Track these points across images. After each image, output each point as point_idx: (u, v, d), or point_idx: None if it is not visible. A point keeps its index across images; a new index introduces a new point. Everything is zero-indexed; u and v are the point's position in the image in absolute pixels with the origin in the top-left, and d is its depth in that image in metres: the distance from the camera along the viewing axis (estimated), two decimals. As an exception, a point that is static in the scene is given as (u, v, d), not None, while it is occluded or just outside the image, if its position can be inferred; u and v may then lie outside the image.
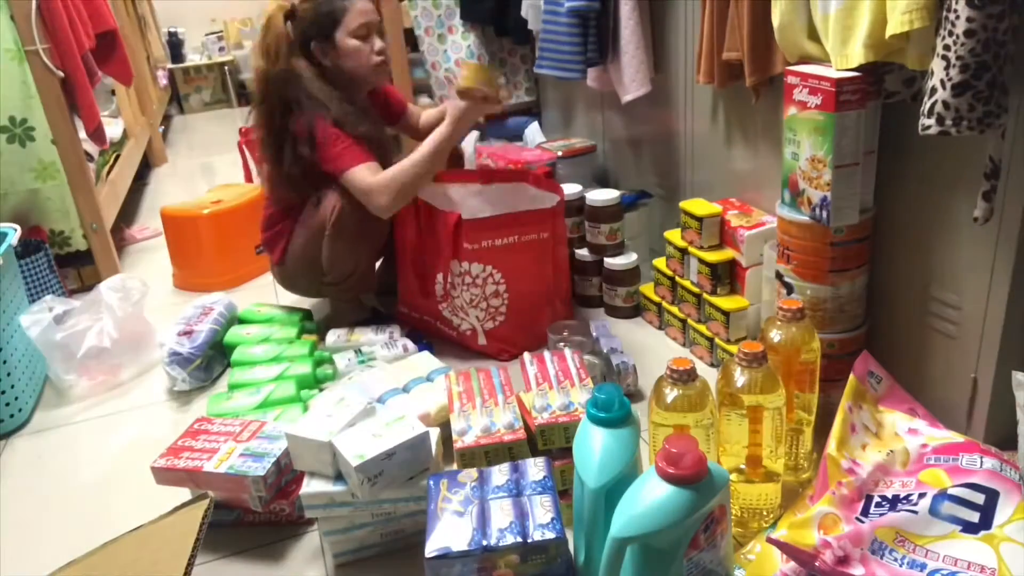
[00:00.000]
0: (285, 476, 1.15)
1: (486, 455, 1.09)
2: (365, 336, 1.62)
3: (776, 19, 1.18)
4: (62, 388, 1.62)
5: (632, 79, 1.73)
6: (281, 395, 1.41)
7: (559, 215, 1.59)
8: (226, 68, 5.20)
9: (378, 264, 1.82)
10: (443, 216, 1.52)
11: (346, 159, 1.51)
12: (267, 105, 1.56)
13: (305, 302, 1.89)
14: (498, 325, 1.58)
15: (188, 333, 1.61)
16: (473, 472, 0.99)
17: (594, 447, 0.92)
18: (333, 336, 1.64)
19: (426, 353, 1.52)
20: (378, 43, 1.61)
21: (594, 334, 1.52)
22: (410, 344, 1.56)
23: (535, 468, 0.99)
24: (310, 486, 1.04)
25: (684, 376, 0.98)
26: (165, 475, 1.15)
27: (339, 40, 1.57)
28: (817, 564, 0.87)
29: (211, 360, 1.63)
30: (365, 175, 1.50)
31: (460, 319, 1.60)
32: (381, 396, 1.32)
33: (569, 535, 0.94)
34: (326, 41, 1.57)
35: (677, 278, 1.57)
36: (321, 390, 1.46)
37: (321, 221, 1.57)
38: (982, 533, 0.90)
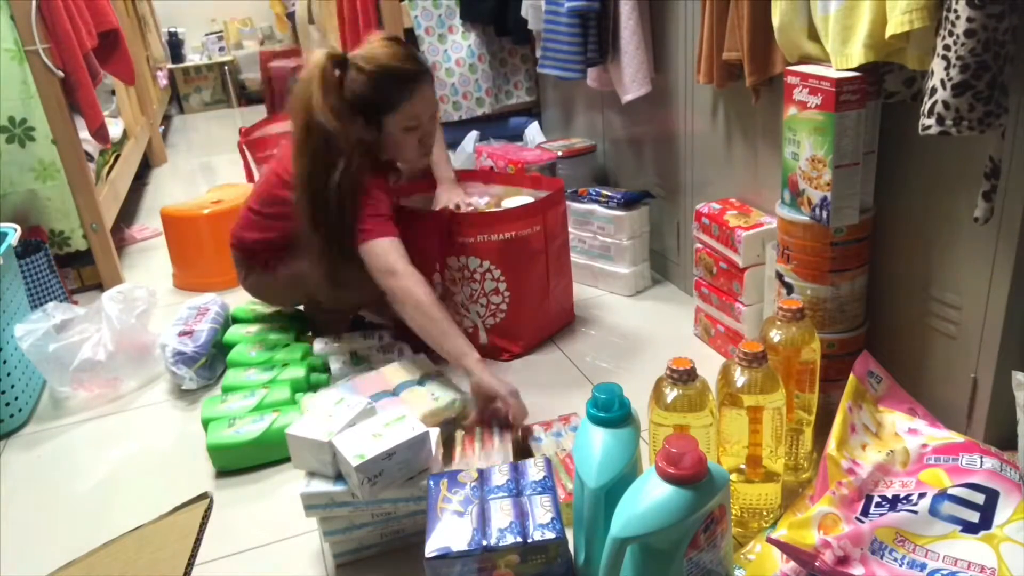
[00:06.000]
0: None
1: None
2: (354, 343, 1.58)
3: (776, 19, 1.18)
4: (59, 399, 1.59)
5: (632, 79, 1.73)
6: (275, 399, 1.40)
7: (548, 209, 1.59)
8: (226, 68, 5.20)
9: None
10: (433, 215, 1.52)
11: (377, 232, 1.37)
12: (310, 156, 1.38)
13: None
14: (499, 322, 1.59)
15: (188, 333, 1.61)
16: (473, 472, 0.99)
17: (594, 447, 0.92)
18: (320, 345, 1.58)
19: (423, 356, 1.51)
20: (427, 132, 1.47)
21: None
22: (406, 348, 1.55)
23: (535, 468, 0.99)
24: (310, 486, 1.04)
25: (684, 376, 0.98)
26: None
27: (387, 124, 1.42)
28: (817, 564, 0.87)
29: (214, 359, 1.64)
30: (389, 251, 1.36)
31: (461, 316, 1.60)
32: (396, 388, 1.32)
33: (569, 535, 0.94)
34: (373, 118, 1.42)
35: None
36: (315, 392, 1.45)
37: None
38: (982, 533, 0.90)
